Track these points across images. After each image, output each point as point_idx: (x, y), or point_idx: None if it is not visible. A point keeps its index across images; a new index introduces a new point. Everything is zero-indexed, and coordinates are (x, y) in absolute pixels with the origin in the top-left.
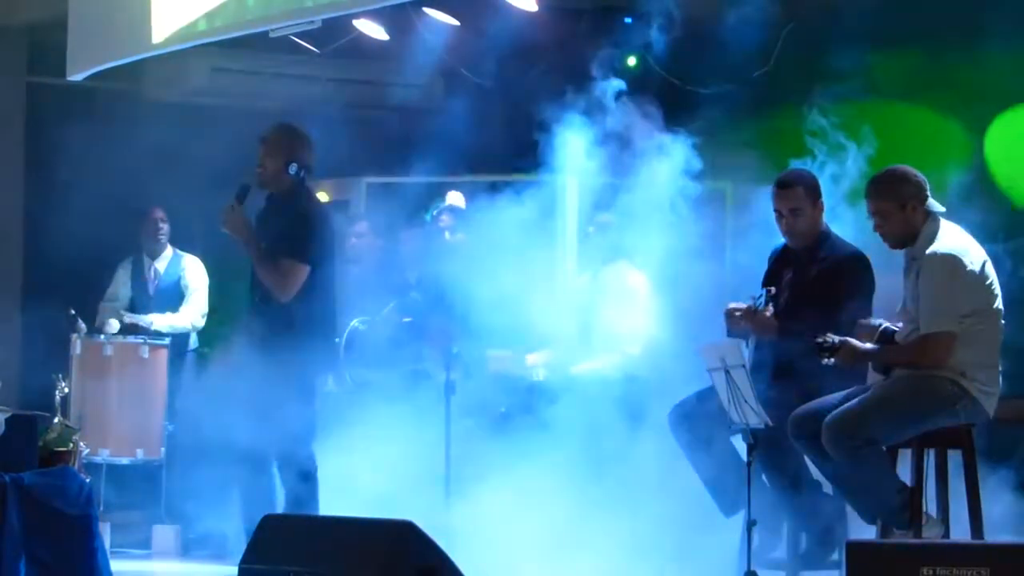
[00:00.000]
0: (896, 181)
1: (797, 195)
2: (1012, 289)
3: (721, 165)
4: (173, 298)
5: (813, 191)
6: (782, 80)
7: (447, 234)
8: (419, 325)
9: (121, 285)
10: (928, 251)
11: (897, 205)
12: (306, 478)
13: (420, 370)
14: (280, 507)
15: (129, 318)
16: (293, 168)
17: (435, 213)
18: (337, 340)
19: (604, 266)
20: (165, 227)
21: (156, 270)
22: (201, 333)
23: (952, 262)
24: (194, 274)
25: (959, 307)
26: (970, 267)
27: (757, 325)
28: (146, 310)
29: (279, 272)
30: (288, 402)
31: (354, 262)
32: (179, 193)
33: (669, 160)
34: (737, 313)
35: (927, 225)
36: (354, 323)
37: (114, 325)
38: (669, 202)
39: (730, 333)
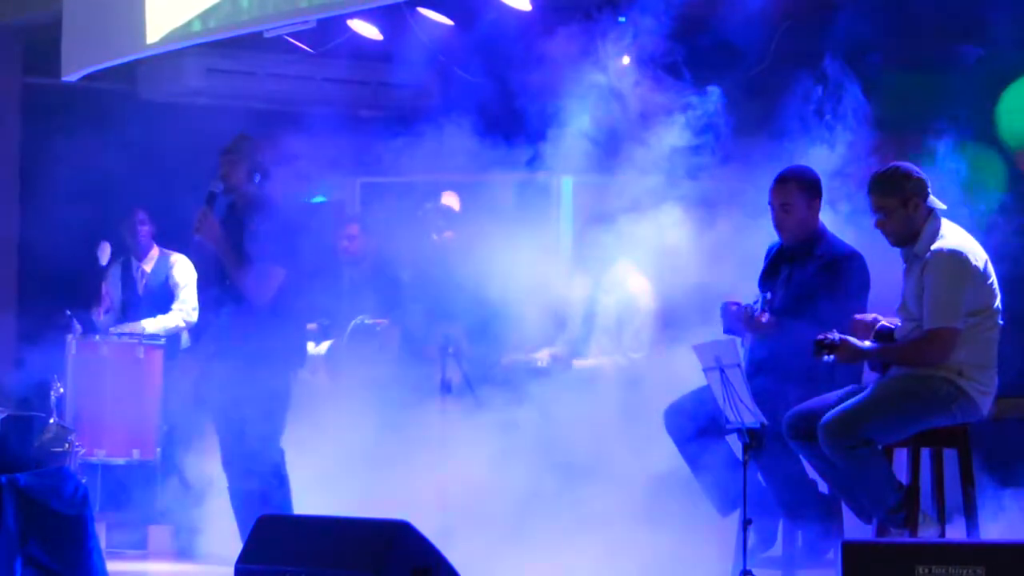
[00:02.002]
0: (899, 178)
1: (789, 190)
2: None
3: (718, 163)
4: (162, 298)
5: (809, 189)
6: (778, 78)
7: (434, 235)
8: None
9: (112, 285)
10: (933, 247)
11: (900, 201)
12: (279, 478)
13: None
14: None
15: (118, 328)
16: (256, 177)
17: (421, 213)
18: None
19: (604, 267)
20: (144, 228)
21: (143, 271)
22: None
23: (958, 259)
24: (181, 272)
25: (964, 304)
26: (974, 265)
27: (754, 330)
28: (136, 310)
29: (256, 276)
30: (265, 403)
31: (349, 264)
32: (174, 193)
33: (666, 157)
34: (733, 307)
35: (928, 223)
36: (357, 320)
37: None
38: (667, 199)
39: (727, 330)
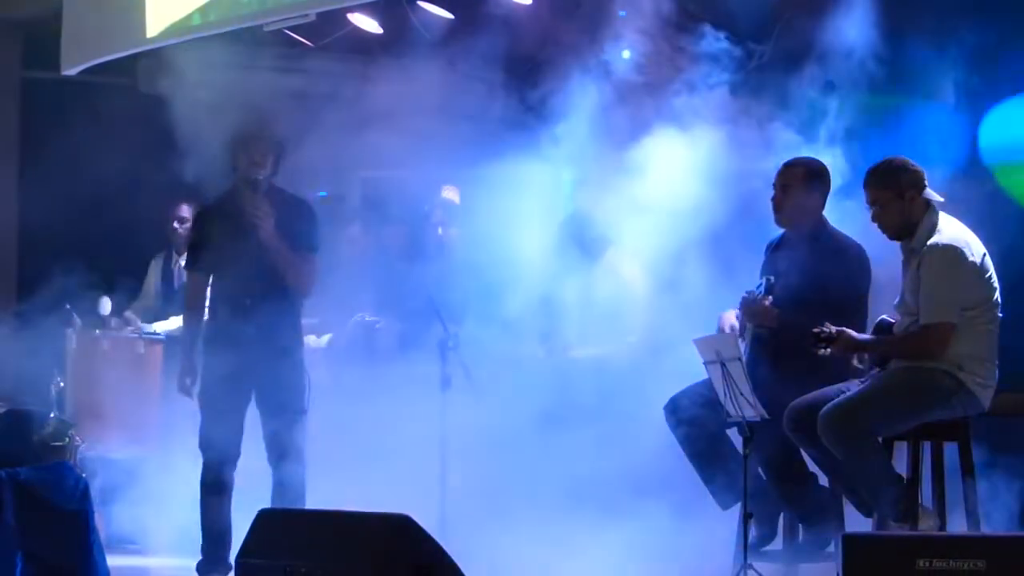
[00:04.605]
0: (894, 170)
1: (795, 173)
2: None
3: (717, 159)
4: None
5: (813, 176)
6: (778, 72)
7: (440, 229)
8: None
9: (152, 278)
10: (929, 242)
11: (895, 194)
12: (302, 464)
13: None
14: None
15: (127, 325)
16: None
17: (427, 208)
18: None
19: (595, 257)
20: (187, 224)
21: (181, 266)
22: None
23: (953, 253)
24: None
25: (960, 299)
26: (971, 259)
27: (756, 315)
28: (171, 305)
29: (303, 265)
30: (300, 389)
31: (352, 262)
32: (173, 188)
33: (665, 153)
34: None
35: (926, 217)
36: (357, 317)
37: (106, 305)
38: (665, 194)
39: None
